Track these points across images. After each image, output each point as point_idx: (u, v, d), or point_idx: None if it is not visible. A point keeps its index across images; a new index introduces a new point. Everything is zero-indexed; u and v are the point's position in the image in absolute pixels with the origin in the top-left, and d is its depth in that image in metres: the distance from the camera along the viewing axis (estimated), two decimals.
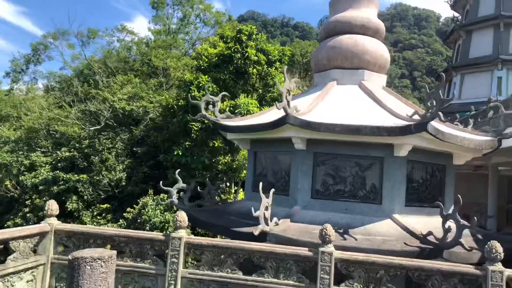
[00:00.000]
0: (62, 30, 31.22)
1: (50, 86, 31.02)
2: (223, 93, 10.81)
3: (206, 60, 18.63)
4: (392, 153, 8.64)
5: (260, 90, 19.31)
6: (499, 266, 5.38)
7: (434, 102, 7.73)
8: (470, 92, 33.61)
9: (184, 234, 6.33)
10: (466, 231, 9.11)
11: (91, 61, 28.78)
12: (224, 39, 17.67)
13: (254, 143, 10.48)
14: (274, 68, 18.69)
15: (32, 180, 19.23)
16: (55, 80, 30.01)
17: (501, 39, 32.98)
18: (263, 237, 7.67)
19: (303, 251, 6.02)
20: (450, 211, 9.40)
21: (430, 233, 7.55)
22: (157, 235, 6.53)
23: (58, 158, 19.82)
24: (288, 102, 8.19)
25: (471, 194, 22.01)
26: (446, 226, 7.25)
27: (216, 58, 17.78)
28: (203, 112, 10.21)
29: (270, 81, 18.11)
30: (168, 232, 6.52)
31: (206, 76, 17.12)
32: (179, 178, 10.13)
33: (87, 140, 19.85)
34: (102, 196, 18.47)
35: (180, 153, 16.76)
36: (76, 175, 18.50)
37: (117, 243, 6.40)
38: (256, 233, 7.13)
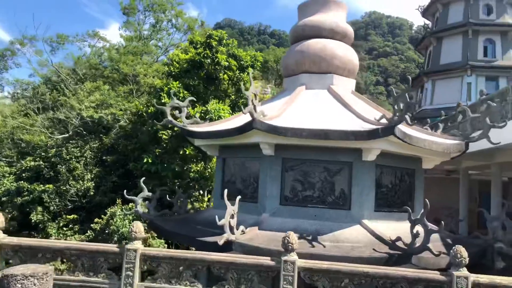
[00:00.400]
0: (30, 36, 30.31)
1: (16, 94, 29.97)
2: (190, 98, 10.50)
3: (177, 66, 18.28)
4: (360, 157, 8.51)
5: (232, 96, 19.07)
6: (464, 272, 5.25)
7: (401, 105, 7.65)
8: (441, 97, 34.27)
9: (139, 245, 5.98)
10: (436, 236, 9.05)
11: (60, 67, 28.00)
12: (194, 45, 17.39)
13: (223, 149, 10.21)
14: (246, 73, 18.48)
15: None
16: (22, 87, 29.08)
17: (469, 45, 33.79)
18: (229, 246, 7.40)
19: (265, 260, 5.76)
20: (419, 216, 9.39)
21: (398, 238, 7.42)
22: (111, 247, 6.15)
23: (23, 168, 19.03)
24: (254, 106, 7.97)
25: (445, 199, 22.31)
26: (415, 231, 7.12)
27: (187, 64, 17.46)
28: (169, 117, 9.89)
29: (242, 87, 17.85)
30: (123, 244, 6.15)
31: (177, 82, 16.77)
32: (144, 187, 9.76)
33: (54, 149, 19.12)
34: (69, 207, 17.78)
35: (150, 161, 16.31)
36: (41, 186, 17.77)
37: (68, 256, 5.98)
38: (220, 242, 6.84)
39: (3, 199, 18.14)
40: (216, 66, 16.85)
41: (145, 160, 16.39)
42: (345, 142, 8.10)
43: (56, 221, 17.41)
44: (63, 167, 17.88)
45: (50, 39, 30.68)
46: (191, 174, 17.25)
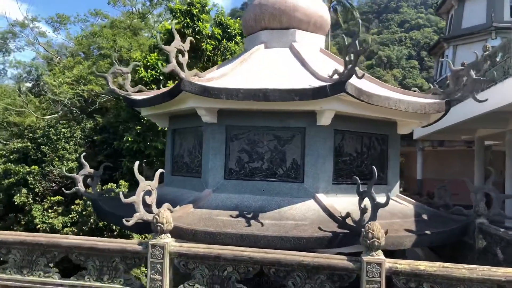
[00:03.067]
0: (32, 17, 29.94)
1: (20, 76, 29.84)
2: (134, 63, 9.44)
3: (162, 38, 17.21)
4: (315, 122, 7.29)
5: None
6: (377, 257, 4.04)
7: (352, 56, 6.34)
8: None
9: None
10: (408, 210, 7.79)
11: (63, 48, 27.53)
12: (174, 13, 16.22)
13: (172, 119, 9.16)
14: (234, 42, 17.23)
15: None
16: (25, 70, 28.89)
17: (494, 5, 30.84)
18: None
19: (131, 245, 4.71)
20: (395, 188, 8.07)
21: (348, 215, 6.21)
22: None
23: (11, 149, 18.68)
24: (179, 64, 6.86)
25: (466, 172, 20.55)
26: (363, 205, 5.89)
27: (167, 34, 16.35)
28: (111, 85, 8.88)
29: (229, 57, 16.67)
30: None
31: (155, 54, 15.73)
32: (85, 163, 8.90)
33: (41, 130, 18.62)
34: (54, 188, 17.32)
35: (131, 139, 15.48)
36: (27, 167, 17.33)
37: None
38: (129, 223, 5.84)
39: None
40: (197, 36, 15.66)
41: (125, 139, 15.58)
42: (292, 104, 6.88)
43: (42, 203, 16.99)
44: (46, 147, 17.31)
45: (52, 19, 30.24)
46: None
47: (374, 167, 5.81)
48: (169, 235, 4.74)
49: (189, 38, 7.58)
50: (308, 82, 7.23)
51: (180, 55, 6.99)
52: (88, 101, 21.18)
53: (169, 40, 16.48)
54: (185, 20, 15.54)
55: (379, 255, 4.04)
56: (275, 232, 6.18)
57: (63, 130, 19.55)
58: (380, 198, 8.03)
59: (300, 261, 4.10)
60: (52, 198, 16.81)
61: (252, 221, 6.59)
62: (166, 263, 4.35)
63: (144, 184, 6.18)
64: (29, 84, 27.89)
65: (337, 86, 6.45)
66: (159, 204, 7.04)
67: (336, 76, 6.83)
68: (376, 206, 5.59)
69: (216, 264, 4.34)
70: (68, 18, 29.90)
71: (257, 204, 7.15)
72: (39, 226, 15.94)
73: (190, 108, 7.54)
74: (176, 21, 15.88)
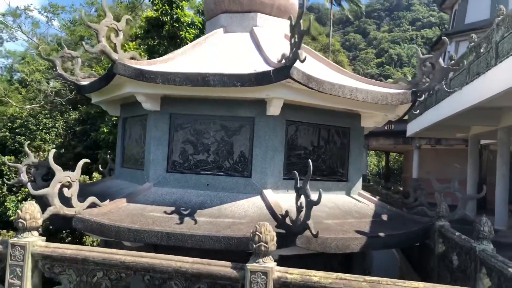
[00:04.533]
0: (24, 7, 29.49)
1: (11, 66, 29.47)
2: (85, 46, 8.84)
3: (145, 26, 16.65)
4: (264, 112, 6.66)
5: None
6: (263, 264, 3.40)
7: (296, 38, 5.71)
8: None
9: None
10: (368, 210, 7.15)
11: (57, 39, 27.01)
12: (152, 0, 15.61)
13: (123, 107, 8.58)
14: None
15: None
16: (15, 60, 28.48)
17: (499, 0, 29.88)
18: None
19: None
20: (357, 185, 7.40)
21: (287, 214, 5.59)
22: None
23: None
24: (113, 45, 6.27)
25: (465, 171, 19.71)
26: (299, 203, 5.26)
27: (147, 23, 15.77)
28: (60, 71, 8.30)
29: None
30: None
31: (134, 43, 15.17)
32: (30, 152, 8.39)
33: (20, 120, 18.18)
34: (30, 179, 16.84)
35: (106, 130, 14.93)
36: (2, 157, 16.91)
37: None
38: (43, 216, 5.27)
39: None
40: (176, 24, 15.03)
41: (100, 130, 15.05)
42: (236, 90, 6.28)
43: (17, 195, 16.56)
44: (22, 138, 16.85)
45: (45, 9, 29.80)
46: None
47: (309, 160, 5.18)
48: (35, 233, 4.11)
49: (125, 16, 7.00)
50: (258, 68, 6.60)
51: (108, 35, 6.39)
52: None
53: (146, 30, 15.94)
54: (164, 7, 14.93)
55: (267, 263, 3.41)
56: (206, 231, 5.58)
57: (44, 120, 19.11)
58: (340, 196, 7.45)
59: (178, 267, 3.49)
60: (26, 189, 16.33)
61: (186, 219, 6.00)
62: (28, 266, 3.75)
63: (61, 175, 5.61)
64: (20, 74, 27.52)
65: (282, 72, 5.82)
66: (99, 198, 6.52)
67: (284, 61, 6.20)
68: (309, 204, 4.96)
69: (84, 269, 3.73)
70: (64, 8, 29.48)
71: (198, 200, 6.55)
72: (12, 218, 15.50)
73: (131, 94, 6.95)
74: (155, 8, 15.28)
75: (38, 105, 19.46)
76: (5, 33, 28.92)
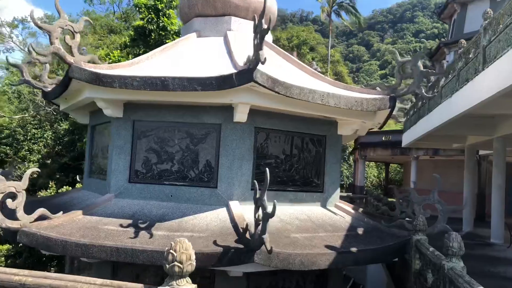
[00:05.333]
0: (21, 18, 29.52)
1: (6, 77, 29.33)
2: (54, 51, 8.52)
3: (132, 34, 16.42)
4: (231, 118, 6.28)
5: None
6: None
7: (258, 39, 5.35)
8: None
9: None
10: (344, 223, 6.71)
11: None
12: (139, 9, 15.39)
13: (92, 115, 8.22)
14: None
15: None
16: (10, 71, 28.37)
17: (497, 10, 29.60)
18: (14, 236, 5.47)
19: None
20: (333, 196, 6.94)
21: (247, 227, 5.16)
22: None
23: None
24: (69, 48, 5.93)
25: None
26: (257, 215, 4.84)
27: (134, 31, 15.53)
28: (26, 76, 7.97)
29: None
30: None
31: (119, 51, 14.93)
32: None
33: (8, 130, 17.92)
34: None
35: None
36: None
37: None
38: None
39: None
40: (162, 32, 14.78)
41: (84, 140, 14.69)
42: (197, 95, 5.92)
43: None
44: (8, 148, 16.56)
45: (40, 20, 29.76)
46: None
47: (267, 169, 4.75)
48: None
49: (83, 18, 6.65)
50: (225, 72, 6.23)
51: (71, 37, 6.05)
52: None
53: (133, 38, 15.68)
54: (150, 15, 14.69)
55: (181, 286, 2.98)
56: (160, 246, 5.15)
57: (33, 130, 18.85)
58: (314, 208, 7.01)
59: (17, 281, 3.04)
60: None
61: (142, 232, 5.58)
62: None
63: (3, 185, 5.22)
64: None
65: (244, 75, 5.46)
66: (60, 209, 6.14)
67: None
68: (266, 216, 4.53)
69: None
70: (55, 18, 29.41)
71: (159, 212, 6.14)
72: None
73: (91, 100, 6.59)
74: (141, 16, 15.05)
75: (27, 115, 19.20)
76: (0, 45, 28.94)
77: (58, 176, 16.47)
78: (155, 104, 6.52)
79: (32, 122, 19.27)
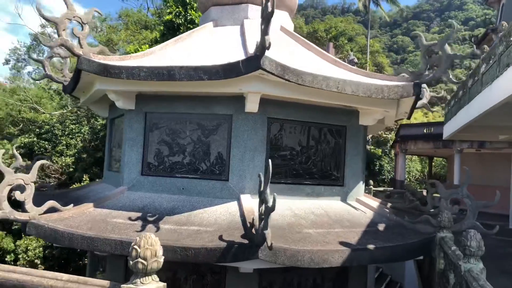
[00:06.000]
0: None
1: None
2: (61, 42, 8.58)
3: (162, 29, 16.50)
4: (243, 108, 6.04)
5: None
6: (142, 286, 2.68)
7: (263, 23, 5.08)
8: None
9: None
10: (365, 219, 6.32)
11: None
12: (166, 2, 15.38)
13: (111, 108, 8.21)
14: None
15: None
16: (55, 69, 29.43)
17: None
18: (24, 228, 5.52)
19: None
20: (355, 190, 6.54)
21: (253, 222, 4.92)
22: None
23: (19, 144, 18.80)
24: (79, 39, 5.89)
25: None
26: (261, 209, 4.58)
27: (163, 26, 15.58)
28: (47, 71, 8.09)
29: None
30: None
31: (147, 46, 15.00)
32: (18, 156, 8.15)
33: (47, 126, 18.59)
34: (51, 184, 17.11)
35: None
36: (29, 162, 17.29)
37: None
38: None
39: None
40: (190, 25, 14.71)
41: None
42: (203, 84, 5.73)
43: None
44: (46, 143, 17.15)
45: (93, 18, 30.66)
46: None
47: (270, 160, 4.47)
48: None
49: (93, 8, 6.59)
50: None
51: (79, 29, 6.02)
52: None
53: (163, 33, 15.73)
54: (177, 9, 14.65)
55: (146, 284, 2.75)
56: (164, 240, 5.00)
57: (71, 126, 19.46)
58: (332, 202, 6.66)
59: (49, 286, 2.92)
60: None
61: (149, 226, 5.47)
62: None
63: (11, 178, 5.25)
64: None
65: (251, 62, 5.21)
66: (79, 202, 6.19)
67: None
68: (267, 211, 4.26)
69: None
70: (104, 18, 30.17)
71: (169, 205, 6.01)
72: None
73: (103, 93, 6.55)
74: (168, 10, 15.05)
75: (66, 111, 19.84)
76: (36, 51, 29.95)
77: (93, 170, 16.91)
78: (166, 96, 6.39)
79: (70, 117, 19.89)
